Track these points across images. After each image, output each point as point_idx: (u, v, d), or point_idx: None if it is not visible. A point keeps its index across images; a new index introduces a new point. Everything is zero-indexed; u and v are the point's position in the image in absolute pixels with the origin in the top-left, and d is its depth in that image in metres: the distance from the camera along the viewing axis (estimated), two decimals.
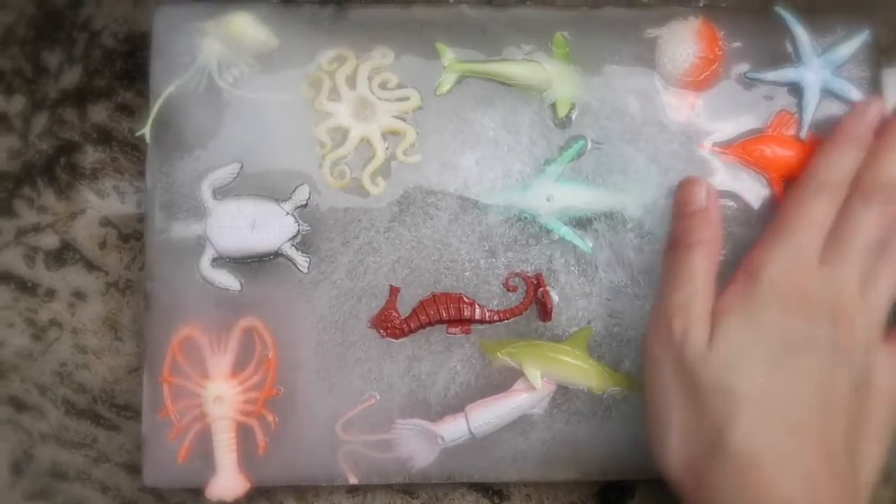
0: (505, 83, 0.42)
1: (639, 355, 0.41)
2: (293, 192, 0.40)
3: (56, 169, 0.43)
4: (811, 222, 0.37)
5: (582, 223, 0.41)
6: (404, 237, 0.41)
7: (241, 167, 0.41)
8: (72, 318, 0.43)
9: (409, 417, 0.40)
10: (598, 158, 0.41)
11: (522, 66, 0.41)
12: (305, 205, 0.40)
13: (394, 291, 0.40)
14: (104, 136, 0.43)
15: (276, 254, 0.40)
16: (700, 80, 0.42)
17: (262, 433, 0.39)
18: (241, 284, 0.40)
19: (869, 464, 0.35)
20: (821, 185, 0.38)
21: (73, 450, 0.42)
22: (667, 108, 0.42)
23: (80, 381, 0.42)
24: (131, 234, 0.43)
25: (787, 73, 0.42)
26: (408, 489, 0.42)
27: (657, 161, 0.42)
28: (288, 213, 0.40)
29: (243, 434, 0.40)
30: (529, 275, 0.41)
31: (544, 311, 0.40)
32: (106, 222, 0.43)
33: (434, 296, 0.40)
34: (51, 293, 0.43)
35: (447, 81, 0.41)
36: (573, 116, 0.42)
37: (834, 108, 0.42)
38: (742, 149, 0.41)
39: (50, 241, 0.43)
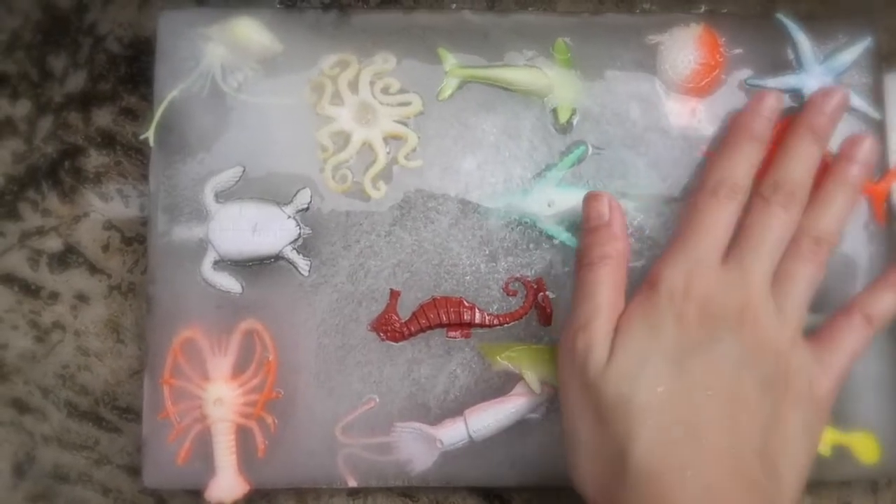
0: (506, 88, 0.42)
1: None
2: (295, 195, 0.41)
3: (60, 172, 0.43)
4: (710, 225, 0.36)
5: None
6: (405, 241, 0.41)
7: (244, 171, 0.41)
8: (74, 320, 0.43)
9: (408, 421, 0.40)
10: (598, 164, 0.42)
11: (524, 72, 0.42)
12: (307, 208, 0.41)
13: (394, 295, 0.40)
14: (108, 140, 0.44)
15: (278, 257, 0.40)
16: (701, 87, 0.42)
17: (261, 435, 0.40)
18: (243, 287, 0.40)
19: (790, 469, 0.34)
20: (718, 187, 0.37)
21: (74, 452, 0.42)
22: (668, 114, 0.42)
23: (83, 384, 0.43)
24: (134, 238, 0.43)
25: (788, 80, 0.42)
26: (407, 492, 0.42)
27: (658, 167, 0.42)
28: (289, 217, 0.40)
29: (243, 436, 0.40)
30: (529, 279, 0.41)
31: (544, 316, 0.40)
32: (109, 226, 0.43)
33: (434, 300, 0.40)
34: (54, 296, 0.43)
35: (449, 86, 0.42)
36: (574, 122, 0.42)
37: None
38: None
39: (54, 244, 0.43)
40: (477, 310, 0.40)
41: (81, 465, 0.42)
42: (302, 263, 0.40)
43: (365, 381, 0.40)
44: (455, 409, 0.40)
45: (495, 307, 0.41)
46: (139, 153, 0.43)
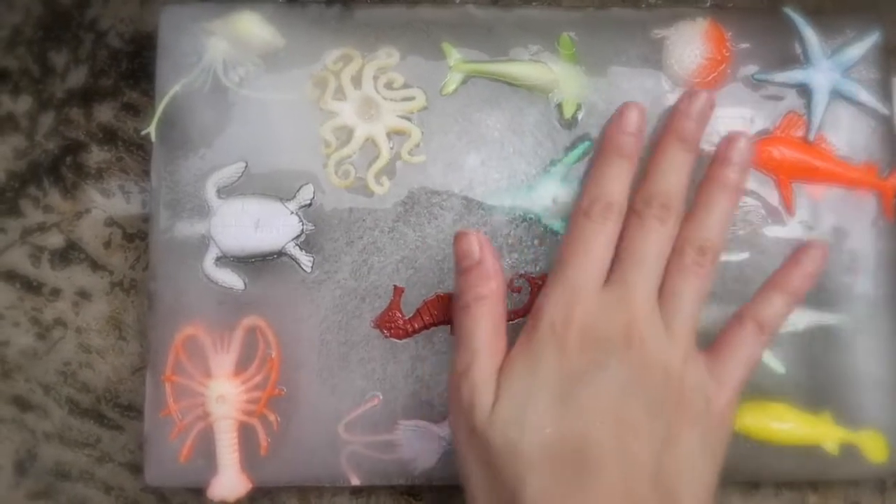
0: (511, 84, 0.41)
1: None
2: (297, 191, 0.40)
3: (62, 168, 0.43)
4: (586, 248, 0.35)
5: None
6: (409, 237, 0.41)
7: (246, 166, 0.40)
8: (76, 317, 0.43)
9: (412, 418, 0.40)
10: None
11: (528, 67, 0.41)
12: (310, 204, 0.40)
13: (398, 292, 0.40)
14: (110, 136, 0.43)
15: (280, 253, 0.40)
16: (708, 82, 0.41)
17: (264, 433, 0.39)
18: (245, 283, 0.40)
19: (689, 491, 0.33)
20: (590, 207, 0.36)
21: (76, 449, 0.42)
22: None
23: (84, 381, 0.42)
24: (136, 234, 0.43)
25: (795, 75, 0.41)
26: (411, 491, 0.42)
27: None
28: (292, 213, 0.40)
29: (245, 434, 0.39)
30: (534, 276, 0.40)
31: None
32: (111, 222, 0.43)
33: (438, 296, 0.40)
34: (55, 292, 0.43)
35: (453, 81, 0.41)
36: (579, 117, 0.41)
37: (843, 110, 0.42)
38: None
39: (55, 240, 0.43)
40: None
41: (83, 462, 0.42)
42: (305, 260, 0.40)
43: (368, 379, 0.40)
44: None
45: None
46: (141, 149, 0.43)
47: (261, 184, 0.41)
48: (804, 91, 0.42)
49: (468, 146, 0.41)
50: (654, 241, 0.35)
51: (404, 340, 0.40)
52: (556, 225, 0.41)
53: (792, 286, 0.37)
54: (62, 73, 0.44)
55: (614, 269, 0.35)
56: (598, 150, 0.38)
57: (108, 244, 0.43)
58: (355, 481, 0.40)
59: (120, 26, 0.44)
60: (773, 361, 0.40)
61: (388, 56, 0.41)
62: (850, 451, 0.40)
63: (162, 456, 0.39)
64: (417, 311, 0.40)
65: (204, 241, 0.40)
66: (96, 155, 0.43)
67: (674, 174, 0.36)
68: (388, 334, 0.40)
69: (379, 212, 0.41)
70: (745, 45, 0.42)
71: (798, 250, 0.38)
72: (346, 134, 0.41)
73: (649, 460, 0.32)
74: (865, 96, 0.41)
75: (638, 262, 0.35)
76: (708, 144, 0.41)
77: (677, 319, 0.35)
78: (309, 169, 0.41)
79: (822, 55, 0.41)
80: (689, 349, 0.35)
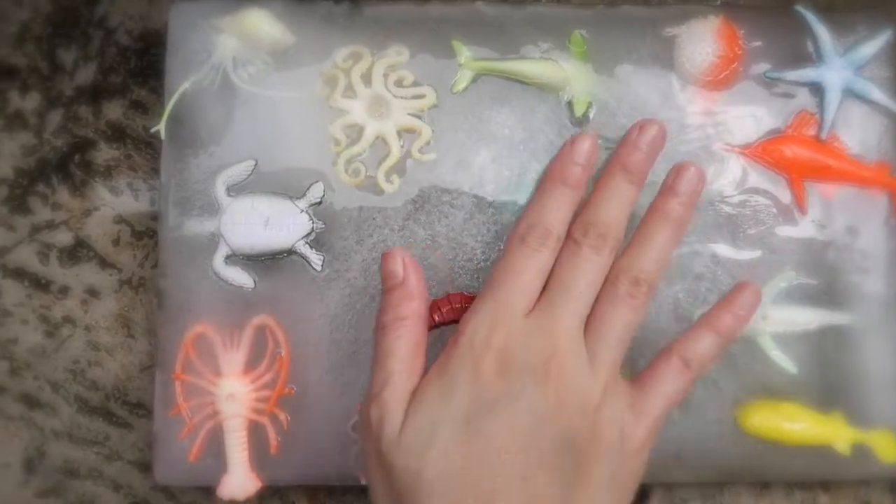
0: (521, 81, 0.41)
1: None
2: (307, 189, 0.40)
3: (70, 166, 0.43)
4: (517, 272, 0.34)
5: None
6: (419, 235, 0.40)
7: (256, 164, 0.40)
8: (85, 315, 0.43)
9: None
10: None
11: (539, 65, 0.41)
12: (320, 202, 0.40)
13: None
14: (118, 134, 0.43)
15: (290, 251, 0.40)
16: (719, 80, 0.41)
17: (274, 432, 0.39)
18: (255, 282, 0.40)
19: None
20: (527, 233, 0.35)
21: (85, 447, 0.42)
22: (685, 108, 0.41)
23: (93, 379, 0.42)
24: (144, 232, 0.43)
25: (808, 73, 0.41)
26: None
27: (675, 161, 0.40)
28: (302, 211, 0.40)
29: (255, 432, 0.39)
30: None
31: None
32: (119, 219, 0.43)
33: (448, 295, 0.40)
34: (64, 290, 0.43)
35: (463, 79, 0.41)
36: (590, 115, 0.41)
37: (855, 109, 0.41)
38: (762, 149, 0.41)
39: (64, 238, 0.43)
40: None
41: (92, 460, 0.42)
42: (314, 258, 0.40)
43: None
44: None
45: None
46: (149, 147, 0.43)
47: (270, 182, 0.40)
48: (816, 89, 0.41)
49: (478, 144, 0.41)
50: (587, 270, 0.35)
51: None
52: None
53: (722, 326, 0.36)
54: (71, 70, 0.44)
55: (543, 296, 0.35)
56: (544, 177, 0.37)
57: (116, 242, 0.43)
58: (364, 480, 0.39)
59: (129, 23, 0.44)
60: (785, 361, 0.40)
61: (398, 54, 0.41)
62: (861, 451, 0.40)
63: (171, 455, 0.39)
64: (427, 309, 0.40)
65: (213, 239, 0.40)
66: (105, 152, 0.43)
67: (615, 205, 0.36)
68: None
69: (389, 210, 0.40)
70: (757, 43, 0.42)
71: (732, 290, 0.37)
72: (356, 132, 0.41)
73: (556, 497, 0.32)
74: (878, 95, 0.41)
75: (566, 291, 0.34)
76: (715, 147, 0.41)
77: (602, 350, 0.34)
78: (319, 167, 0.40)
79: (835, 53, 0.41)
80: (611, 381, 0.34)
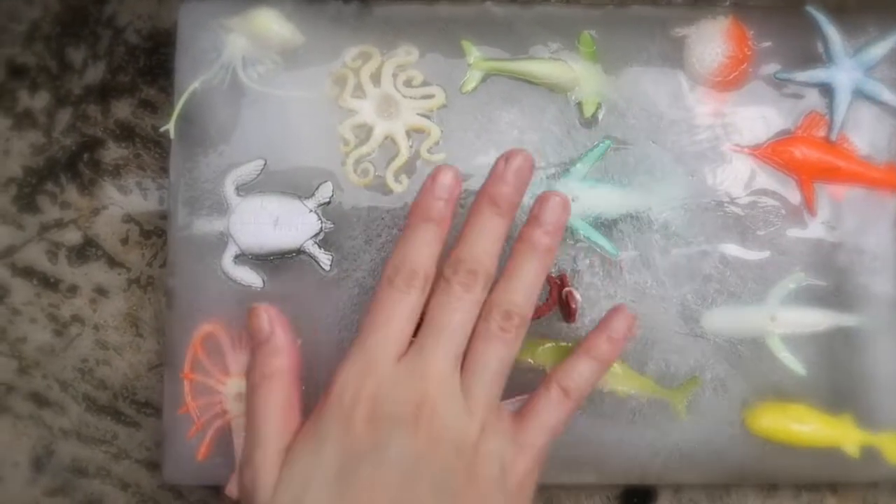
0: (531, 82, 0.41)
1: (664, 358, 0.40)
2: (316, 189, 0.40)
3: (79, 165, 0.43)
4: (387, 318, 0.34)
5: (607, 224, 0.41)
6: None
7: (265, 164, 0.40)
8: (93, 314, 0.43)
9: None
10: (623, 159, 0.41)
11: (548, 65, 0.41)
12: (329, 202, 0.40)
13: None
14: (127, 133, 0.43)
15: (299, 251, 0.40)
16: (729, 80, 0.41)
17: None
18: (264, 281, 0.40)
19: None
20: (394, 275, 0.34)
21: (93, 446, 0.42)
22: (694, 108, 0.41)
23: (101, 378, 0.42)
24: (153, 231, 0.43)
25: (817, 74, 0.41)
26: None
27: (684, 162, 0.41)
28: (311, 211, 0.40)
29: None
30: (553, 275, 0.40)
31: (568, 313, 0.40)
32: (128, 219, 0.43)
33: None
34: (73, 289, 0.43)
35: (472, 79, 0.41)
36: (599, 116, 0.41)
37: (865, 110, 0.41)
38: (771, 150, 0.41)
39: (72, 236, 0.43)
40: None
41: (100, 459, 0.42)
42: (323, 258, 0.40)
43: None
44: None
45: None
46: (158, 146, 0.43)
47: (280, 181, 0.40)
48: (826, 90, 0.41)
49: (487, 144, 0.41)
50: (458, 308, 0.34)
51: None
52: (576, 224, 0.40)
53: (598, 351, 0.36)
54: (80, 69, 0.44)
55: (416, 338, 0.34)
56: (408, 215, 0.36)
57: (125, 241, 0.43)
58: None
59: (138, 22, 0.44)
60: (794, 363, 0.40)
61: (407, 54, 0.41)
62: (870, 453, 0.40)
63: (180, 454, 0.39)
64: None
65: (222, 239, 0.40)
66: (114, 151, 0.43)
67: (484, 240, 0.35)
68: None
69: (398, 210, 0.40)
70: (766, 44, 0.41)
71: (606, 315, 0.37)
72: (365, 132, 0.41)
73: None
74: (888, 96, 0.41)
75: (438, 331, 0.34)
76: (724, 148, 0.41)
77: (478, 387, 0.34)
78: (328, 167, 0.40)
79: (845, 54, 0.41)
80: (490, 417, 0.33)
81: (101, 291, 0.43)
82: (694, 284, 0.41)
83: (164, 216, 0.42)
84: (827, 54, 0.41)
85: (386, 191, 0.41)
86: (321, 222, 0.40)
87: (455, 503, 0.32)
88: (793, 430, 0.40)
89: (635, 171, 0.41)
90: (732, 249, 0.41)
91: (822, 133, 0.41)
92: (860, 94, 0.41)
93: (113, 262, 0.43)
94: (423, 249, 0.35)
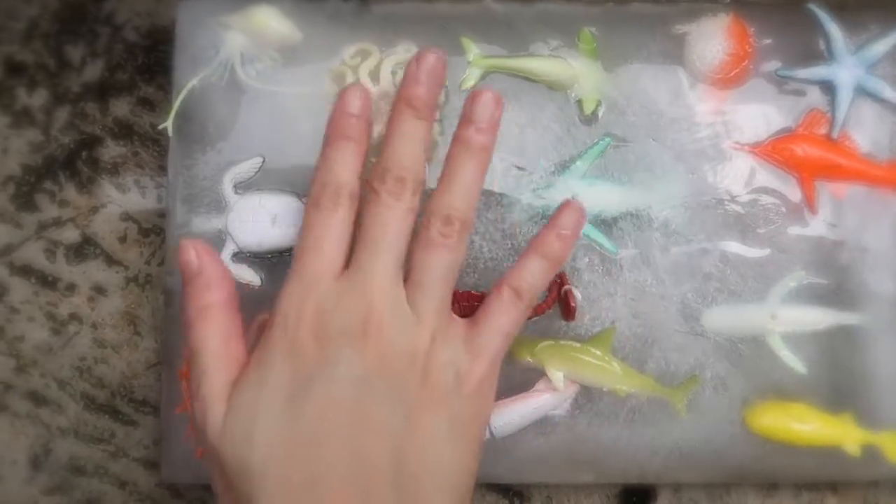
0: (530, 79, 0.41)
1: (663, 357, 0.40)
2: None
3: (77, 163, 0.43)
4: (318, 238, 0.33)
5: (607, 222, 0.40)
6: None
7: (264, 161, 0.40)
8: (91, 312, 0.42)
9: None
10: (623, 156, 0.41)
11: (548, 62, 0.41)
12: None
13: None
14: (126, 131, 0.43)
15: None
16: (730, 78, 0.41)
17: None
18: (262, 279, 0.40)
19: (434, 478, 0.31)
20: (318, 195, 0.34)
21: (91, 445, 0.42)
22: (695, 106, 0.41)
23: (99, 376, 0.42)
24: (151, 229, 0.43)
25: (819, 71, 0.41)
26: None
27: (684, 159, 0.41)
28: None
29: None
30: None
31: (567, 311, 0.40)
32: (126, 217, 0.43)
33: (456, 293, 0.39)
34: (71, 287, 0.43)
35: (472, 77, 0.41)
36: (599, 113, 0.41)
37: (867, 107, 0.41)
38: (772, 148, 0.41)
39: (71, 235, 0.43)
40: None
41: (98, 458, 0.42)
42: None
43: None
44: None
45: None
46: (156, 144, 0.43)
47: (278, 179, 0.40)
48: (828, 88, 0.41)
49: None
50: (392, 218, 0.33)
51: None
52: None
53: (548, 248, 0.35)
54: (78, 67, 0.43)
55: (352, 255, 0.33)
56: (326, 134, 0.35)
57: (123, 239, 0.43)
58: None
59: (136, 20, 0.44)
60: (795, 361, 0.40)
61: (406, 51, 0.41)
62: (870, 453, 0.40)
63: (178, 452, 0.39)
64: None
65: (220, 237, 0.40)
66: (112, 149, 0.43)
67: (407, 145, 0.34)
68: None
69: None
70: (767, 41, 0.41)
71: (557, 211, 0.36)
72: None
73: (385, 457, 0.30)
74: (890, 93, 0.41)
75: (374, 244, 0.33)
76: (724, 146, 0.40)
77: (424, 297, 0.33)
78: None
79: (847, 51, 0.41)
80: (441, 325, 0.33)
81: (99, 290, 0.43)
82: (694, 282, 0.40)
83: (162, 214, 0.42)
84: (828, 51, 0.41)
85: None
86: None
87: (410, 414, 0.31)
88: (793, 429, 0.39)
89: (635, 169, 0.41)
90: (733, 247, 0.40)
91: (823, 131, 0.41)
92: (862, 92, 0.41)
93: (111, 261, 0.43)
94: (342, 166, 0.34)
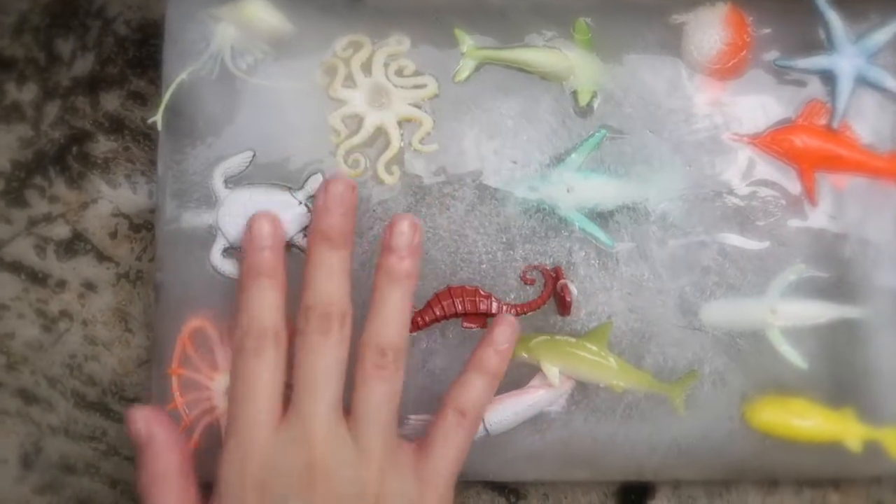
0: (525, 70, 0.40)
1: (661, 352, 0.39)
2: (306, 181, 0.40)
3: (68, 158, 0.43)
4: (249, 388, 0.33)
5: (603, 215, 0.40)
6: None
7: (254, 155, 0.40)
8: (82, 309, 0.42)
9: (422, 413, 0.39)
10: (620, 148, 0.40)
11: (543, 53, 0.40)
12: None
13: None
14: (116, 125, 0.43)
15: (289, 244, 0.39)
16: (728, 68, 0.40)
17: None
18: None
19: None
20: (243, 343, 0.34)
21: (82, 443, 0.42)
22: (693, 97, 0.41)
23: (90, 373, 0.42)
24: (142, 225, 0.42)
25: (819, 61, 0.40)
26: None
27: (682, 151, 0.40)
28: (301, 203, 0.39)
29: None
30: (548, 268, 0.40)
31: (563, 305, 0.39)
32: (117, 212, 0.42)
33: (450, 288, 0.39)
34: (61, 284, 0.42)
35: (465, 68, 0.40)
36: (595, 105, 0.41)
37: (868, 97, 0.41)
38: (771, 139, 0.40)
39: (61, 231, 0.42)
40: (493, 299, 0.39)
41: (89, 456, 0.42)
42: None
43: None
44: None
45: (512, 296, 0.40)
46: (147, 138, 0.43)
47: (269, 173, 0.40)
48: (828, 77, 0.40)
49: (481, 134, 0.40)
50: (322, 357, 0.33)
51: (415, 333, 0.39)
52: (572, 215, 0.40)
53: (487, 364, 0.36)
54: (68, 61, 0.43)
55: (291, 394, 0.33)
56: (241, 274, 0.35)
57: (114, 235, 0.42)
58: None
59: (127, 14, 0.43)
60: (795, 356, 0.39)
61: (398, 43, 0.40)
62: (872, 449, 0.39)
63: None
64: (428, 303, 0.39)
65: (211, 232, 0.39)
66: (103, 144, 0.43)
67: (327, 279, 0.34)
68: None
69: (389, 202, 0.40)
70: (766, 31, 0.41)
71: (490, 327, 0.37)
72: (355, 122, 0.40)
73: None
74: (891, 83, 0.40)
75: (308, 387, 0.33)
76: (723, 137, 0.40)
77: (367, 432, 0.33)
78: (318, 158, 0.40)
79: (847, 41, 0.40)
80: (387, 458, 0.33)
81: (89, 286, 0.42)
82: (692, 276, 0.40)
83: (153, 210, 0.42)
84: (828, 41, 0.40)
85: (377, 182, 0.40)
86: (311, 215, 0.39)
87: None
88: (794, 425, 0.39)
89: (632, 161, 0.40)
90: (732, 240, 0.40)
91: (823, 121, 0.40)
92: (863, 82, 0.40)
93: (102, 257, 0.42)
94: (262, 306, 0.34)
